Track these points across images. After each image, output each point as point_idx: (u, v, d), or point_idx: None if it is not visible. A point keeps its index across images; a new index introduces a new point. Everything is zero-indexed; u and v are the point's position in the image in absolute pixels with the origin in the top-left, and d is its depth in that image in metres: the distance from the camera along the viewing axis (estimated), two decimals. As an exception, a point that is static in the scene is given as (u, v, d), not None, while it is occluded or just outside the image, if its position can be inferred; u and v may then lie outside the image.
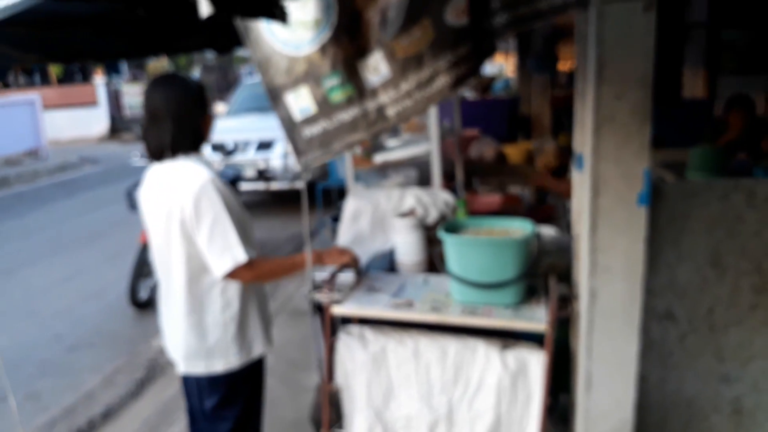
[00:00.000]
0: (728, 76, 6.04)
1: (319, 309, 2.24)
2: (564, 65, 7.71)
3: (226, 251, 1.93)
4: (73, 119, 19.29)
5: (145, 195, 2.11)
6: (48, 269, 6.36)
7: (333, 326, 2.07)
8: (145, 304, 5.19)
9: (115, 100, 20.74)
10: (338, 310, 1.99)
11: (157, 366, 4.15)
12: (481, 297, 1.98)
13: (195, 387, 2.15)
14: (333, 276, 2.04)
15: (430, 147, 3.03)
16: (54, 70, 20.34)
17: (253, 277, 2.00)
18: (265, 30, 1.94)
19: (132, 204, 5.08)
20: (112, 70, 22.69)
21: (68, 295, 5.59)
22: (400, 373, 2.05)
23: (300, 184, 7.86)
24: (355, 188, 3.10)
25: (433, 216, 2.48)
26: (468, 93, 7.84)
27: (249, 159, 7.87)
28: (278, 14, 1.69)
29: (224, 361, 2.07)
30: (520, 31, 1.84)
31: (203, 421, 2.15)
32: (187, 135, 2.01)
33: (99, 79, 20.03)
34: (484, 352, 1.98)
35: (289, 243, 6.99)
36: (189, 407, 2.25)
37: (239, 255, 1.92)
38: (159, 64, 20.99)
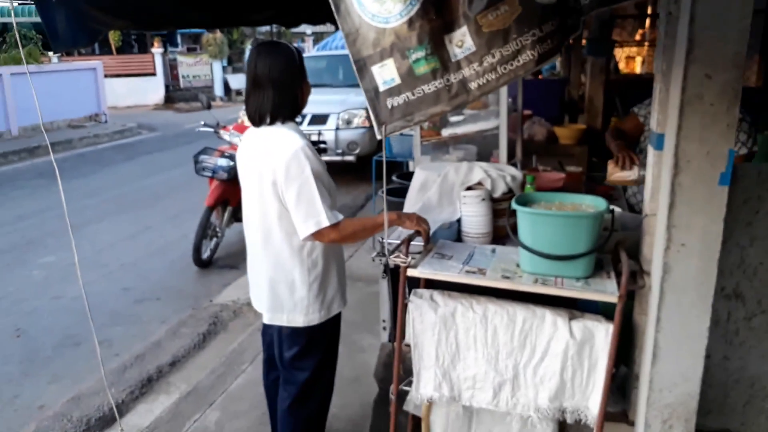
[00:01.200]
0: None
1: (390, 272, 2.35)
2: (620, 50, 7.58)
3: (311, 215, 2.04)
4: (131, 87, 19.89)
5: (241, 157, 2.24)
6: (113, 226, 6.68)
7: (405, 289, 2.17)
8: (207, 263, 5.43)
9: (170, 70, 21.23)
10: (413, 273, 2.09)
11: (220, 321, 4.37)
12: (552, 268, 2.04)
13: (277, 337, 2.30)
14: (408, 240, 2.14)
15: (497, 122, 3.08)
16: (113, 37, 20.89)
17: (340, 237, 2.11)
18: (354, 2, 2.03)
19: (198, 169, 5.29)
20: (168, 41, 23.17)
21: (134, 252, 5.89)
22: (468, 336, 2.14)
23: (350, 157, 7.98)
24: (423, 160, 3.18)
25: (500, 189, 2.54)
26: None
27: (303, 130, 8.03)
28: (376, -14, 1.77)
29: (306, 316, 2.21)
30: (604, 8, 1.88)
31: (283, 370, 2.30)
32: (287, 103, 2.12)
33: (156, 50, 20.50)
34: (552, 320, 2.05)
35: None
36: (267, 356, 2.41)
37: (322, 220, 2.04)
38: (212, 36, 21.34)
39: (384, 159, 2.19)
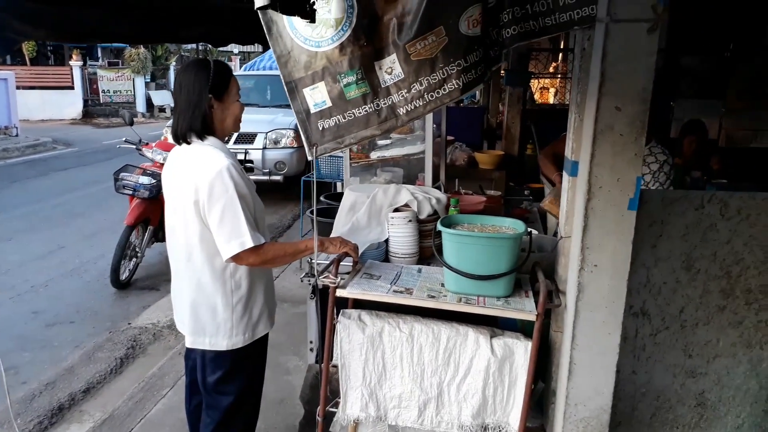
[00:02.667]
0: (685, 99, 6.37)
1: (319, 293, 2.35)
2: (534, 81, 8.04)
3: (234, 236, 2.02)
4: (47, 100, 19.00)
5: (166, 176, 2.20)
6: (23, 245, 6.31)
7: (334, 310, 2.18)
8: (125, 285, 5.23)
9: (90, 84, 20.45)
10: (342, 293, 2.11)
11: (138, 345, 4.20)
12: (475, 288, 2.12)
13: (200, 361, 2.24)
14: (338, 262, 2.16)
15: (423, 147, 3.17)
16: (27, 48, 19.92)
17: (260, 261, 2.09)
18: (287, 25, 2.06)
19: (118, 186, 5.11)
20: (88, 54, 22.37)
21: (46, 272, 5.58)
22: (395, 355, 2.17)
23: (277, 177, 7.93)
24: (352, 182, 3.22)
25: (426, 211, 2.61)
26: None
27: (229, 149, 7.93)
28: (309, 12, 1.81)
29: (229, 339, 2.18)
30: (526, 42, 2.00)
31: (205, 394, 2.25)
32: (196, 120, 2.08)
33: (75, 63, 19.71)
34: (474, 338, 2.12)
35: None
36: (190, 380, 2.35)
37: (246, 241, 2.01)
38: (135, 51, 20.75)
39: (314, 180, 2.22)
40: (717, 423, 2.19)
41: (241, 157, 7.74)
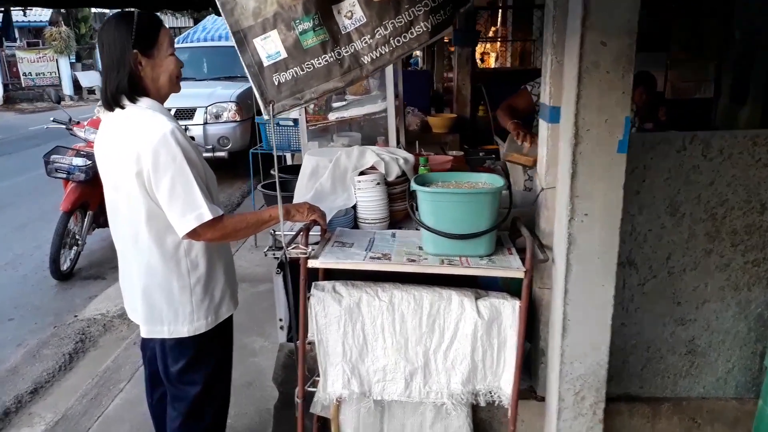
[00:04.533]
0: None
1: (285, 266, 2.17)
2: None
3: (189, 209, 1.79)
4: (-40, 85, 17.68)
5: (99, 150, 1.94)
6: (-52, 242, 5.82)
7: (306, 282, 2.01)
8: (68, 275, 4.89)
9: (9, 67, 19.16)
10: (315, 264, 1.93)
11: (88, 338, 3.92)
12: (455, 248, 1.98)
13: (160, 351, 2.03)
14: (306, 231, 1.98)
15: (384, 106, 2.99)
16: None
17: (220, 236, 1.88)
18: (230, -33, 1.82)
19: (50, 170, 4.73)
20: (4, 35, 20.91)
21: (-25, 269, 5.15)
22: (375, 326, 2.02)
23: (222, 153, 7.59)
24: (310, 146, 3.01)
25: (395, 172, 2.45)
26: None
27: None
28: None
29: (190, 325, 1.97)
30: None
31: (169, 386, 2.04)
32: (122, 78, 1.81)
33: (-10, 44, 18.43)
34: (458, 301, 1.99)
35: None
36: (150, 371, 2.14)
37: (204, 213, 1.79)
38: (56, 30, 19.52)
39: (273, 146, 2.01)
40: (707, 369, 2.15)
41: (181, 133, 7.33)
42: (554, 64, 1.88)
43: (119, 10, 2.04)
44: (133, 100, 1.85)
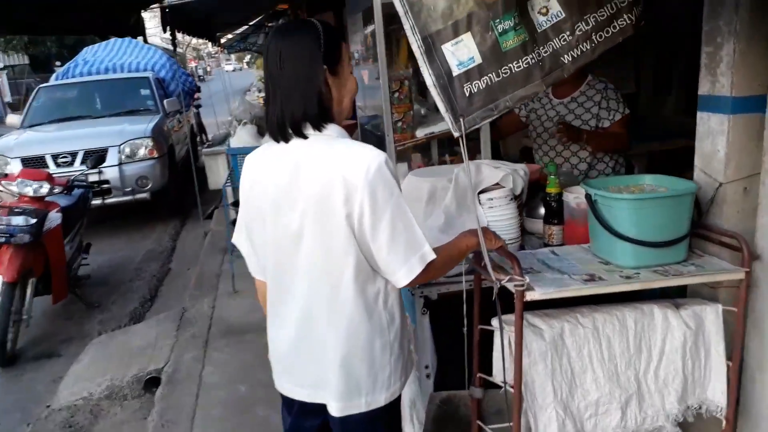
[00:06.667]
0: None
1: (431, 305, 1.87)
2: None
3: (413, 250, 1.47)
4: None
5: (265, 191, 1.54)
6: None
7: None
8: (13, 359, 4.05)
9: None
10: (534, 296, 1.68)
11: (79, 430, 3.23)
12: (657, 257, 1.84)
13: (340, 429, 1.65)
14: (515, 259, 1.71)
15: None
16: None
17: (429, 277, 1.58)
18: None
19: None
20: None
21: None
22: (582, 357, 1.82)
23: (143, 195, 6.82)
24: (399, 168, 2.69)
25: (520, 186, 2.25)
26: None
27: (75, 173, 6.53)
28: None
29: (387, 391, 1.62)
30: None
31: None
32: (309, 101, 1.47)
33: None
34: (661, 315, 1.85)
35: (148, 263, 6.00)
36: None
37: (427, 252, 1.49)
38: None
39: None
40: None
41: (94, 178, 6.43)
42: (737, 54, 1.81)
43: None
44: (319, 128, 1.49)
